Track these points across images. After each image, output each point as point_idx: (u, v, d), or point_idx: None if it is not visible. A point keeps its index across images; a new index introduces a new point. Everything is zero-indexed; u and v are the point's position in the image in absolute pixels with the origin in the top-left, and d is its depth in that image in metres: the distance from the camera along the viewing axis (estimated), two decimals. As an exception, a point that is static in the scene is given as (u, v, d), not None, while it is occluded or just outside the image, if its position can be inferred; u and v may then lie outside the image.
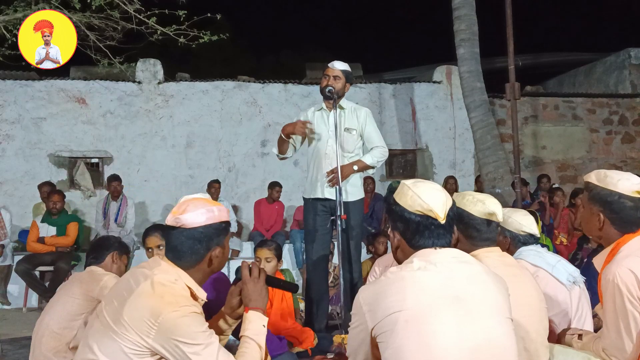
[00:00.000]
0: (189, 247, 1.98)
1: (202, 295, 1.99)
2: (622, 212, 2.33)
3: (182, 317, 1.83)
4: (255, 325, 2.06)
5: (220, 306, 2.28)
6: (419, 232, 1.84)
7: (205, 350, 1.84)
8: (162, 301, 1.84)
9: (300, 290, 5.73)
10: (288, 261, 7.55)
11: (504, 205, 6.88)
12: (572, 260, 6.14)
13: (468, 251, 2.05)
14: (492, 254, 2.38)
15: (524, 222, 3.00)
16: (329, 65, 4.34)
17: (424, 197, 1.83)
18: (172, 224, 1.99)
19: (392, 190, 1.95)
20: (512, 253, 2.98)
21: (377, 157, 4.30)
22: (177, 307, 1.84)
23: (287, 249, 7.73)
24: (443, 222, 1.82)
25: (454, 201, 1.91)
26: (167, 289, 1.88)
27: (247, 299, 2.11)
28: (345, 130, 4.30)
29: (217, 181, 8.29)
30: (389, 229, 1.96)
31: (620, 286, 2.21)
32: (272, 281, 2.24)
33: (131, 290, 1.90)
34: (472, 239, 2.41)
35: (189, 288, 1.96)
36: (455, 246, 1.94)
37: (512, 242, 2.99)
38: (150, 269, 1.96)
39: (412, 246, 1.86)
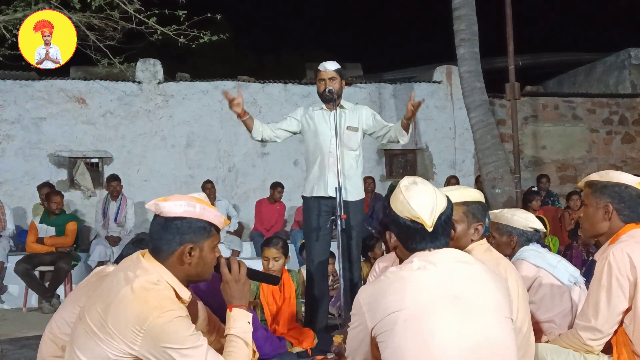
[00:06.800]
0: (160, 236, 1.94)
1: (185, 295, 1.94)
2: (630, 201, 2.40)
3: (168, 323, 1.80)
4: (241, 323, 2.03)
5: (219, 305, 2.26)
6: (411, 237, 1.85)
7: (194, 353, 1.82)
8: (146, 306, 1.80)
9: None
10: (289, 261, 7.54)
11: (508, 205, 6.92)
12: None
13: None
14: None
15: (529, 217, 3.02)
16: (321, 69, 4.33)
17: (413, 203, 1.82)
18: (151, 209, 1.96)
19: (392, 189, 1.95)
20: (515, 254, 2.99)
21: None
22: (162, 312, 1.80)
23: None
24: (430, 229, 1.81)
25: (449, 202, 1.89)
26: (150, 293, 1.84)
27: (229, 297, 2.07)
28: (348, 129, 4.33)
29: (209, 181, 8.29)
30: (387, 230, 1.95)
31: (612, 263, 2.27)
32: (252, 274, 2.19)
33: (114, 295, 1.85)
34: None
35: (173, 288, 1.91)
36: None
37: (518, 241, 2.99)
38: (133, 270, 1.91)
39: (407, 249, 1.87)
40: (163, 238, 1.94)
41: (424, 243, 1.83)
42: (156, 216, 1.97)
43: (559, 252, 6.58)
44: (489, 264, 1.96)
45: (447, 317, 1.69)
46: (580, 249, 6.15)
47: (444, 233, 1.86)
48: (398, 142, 4.38)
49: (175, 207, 1.93)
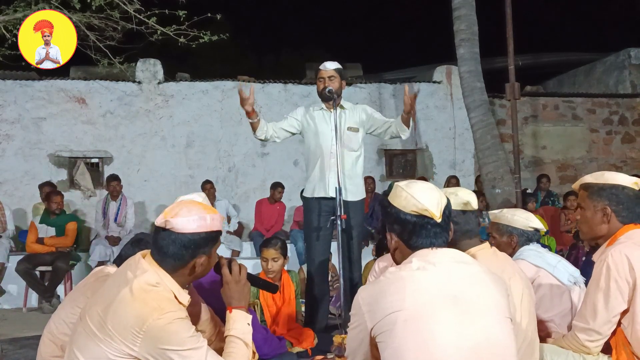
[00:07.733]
0: (174, 252, 1.92)
1: (184, 299, 1.94)
2: (627, 202, 2.38)
3: (167, 325, 1.80)
4: (240, 324, 2.04)
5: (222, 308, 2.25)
6: (416, 233, 1.84)
7: (193, 354, 1.82)
8: (145, 308, 1.80)
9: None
10: (289, 262, 7.53)
11: (507, 204, 6.92)
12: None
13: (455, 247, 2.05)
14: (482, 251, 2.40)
15: (529, 217, 3.02)
16: (321, 68, 4.35)
17: (418, 196, 1.83)
18: (161, 226, 1.93)
19: (387, 192, 1.95)
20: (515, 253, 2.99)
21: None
22: (161, 313, 1.80)
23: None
24: (439, 220, 1.82)
25: (448, 200, 1.90)
26: (149, 295, 1.84)
27: (229, 298, 2.07)
28: (349, 129, 4.34)
29: (209, 182, 8.30)
30: (387, 232, 1.95)
31: (610, 265, 2.26)
32: (252, 280, 2.19)
33: (113, 296, 1.85)
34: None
35: (172, 292, 1.91)
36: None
37: (518, 241, 2.99)
38: (133, 272, 1.90)
39: (409, 247, 1.86)
40: (176, 254, 1.93)
41: (429, 238, 1.83)
42: (164, 229, 1.93)
43: (561, 253, 6.58)
44: (494, 269, 1.95)
45: (447, 317, 1.68)
46: (586, 249, 6.14)
47: (446, 228, 1.87)
48: (400, 137, 4.40)
49: (188, 223, 1.92)
